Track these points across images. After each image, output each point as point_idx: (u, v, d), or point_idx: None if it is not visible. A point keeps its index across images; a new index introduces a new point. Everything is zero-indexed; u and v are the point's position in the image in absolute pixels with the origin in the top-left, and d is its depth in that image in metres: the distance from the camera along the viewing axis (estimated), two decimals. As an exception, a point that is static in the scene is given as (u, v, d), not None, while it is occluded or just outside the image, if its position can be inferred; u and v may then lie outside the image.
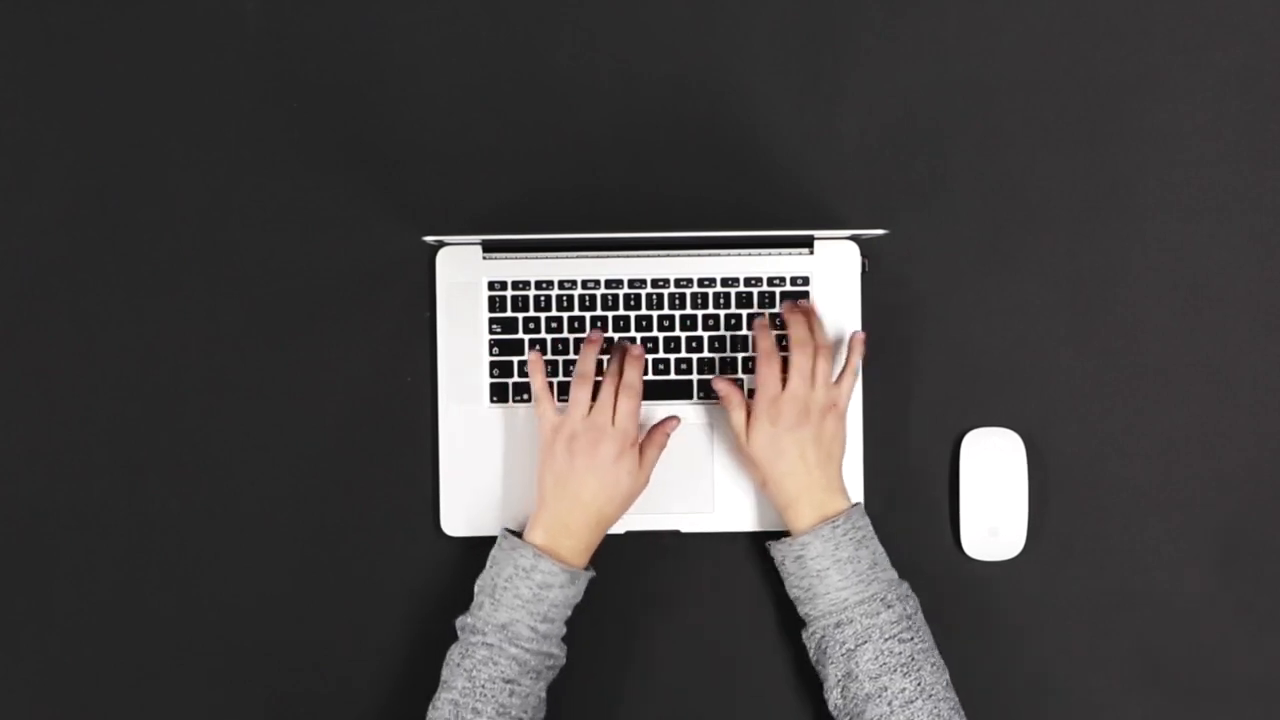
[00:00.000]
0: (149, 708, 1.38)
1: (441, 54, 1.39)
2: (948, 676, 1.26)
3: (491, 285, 1.37)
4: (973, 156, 1.39)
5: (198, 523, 1.38)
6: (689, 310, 1.37)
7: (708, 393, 1.37)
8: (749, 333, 1.36)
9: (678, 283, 1.37)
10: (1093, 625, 1.38)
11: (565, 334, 1.37)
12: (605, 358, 1.32)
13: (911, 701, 1.23)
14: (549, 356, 1.36)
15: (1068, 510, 1.39)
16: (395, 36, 1.39)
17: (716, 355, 1.36)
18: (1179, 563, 1.38)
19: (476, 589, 1.28)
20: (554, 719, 1.29)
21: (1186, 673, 1.38)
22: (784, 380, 1.29)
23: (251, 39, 1.39)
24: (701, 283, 1.37)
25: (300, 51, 1.39)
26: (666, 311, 1.37)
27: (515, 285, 1.37)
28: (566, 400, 1.30)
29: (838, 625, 1.25)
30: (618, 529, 1.36)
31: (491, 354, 1.37)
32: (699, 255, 1.37)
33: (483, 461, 1.37)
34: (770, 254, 1.37)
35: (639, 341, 1.36)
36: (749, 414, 1.30)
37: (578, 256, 1.36)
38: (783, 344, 1.32)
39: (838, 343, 1.36)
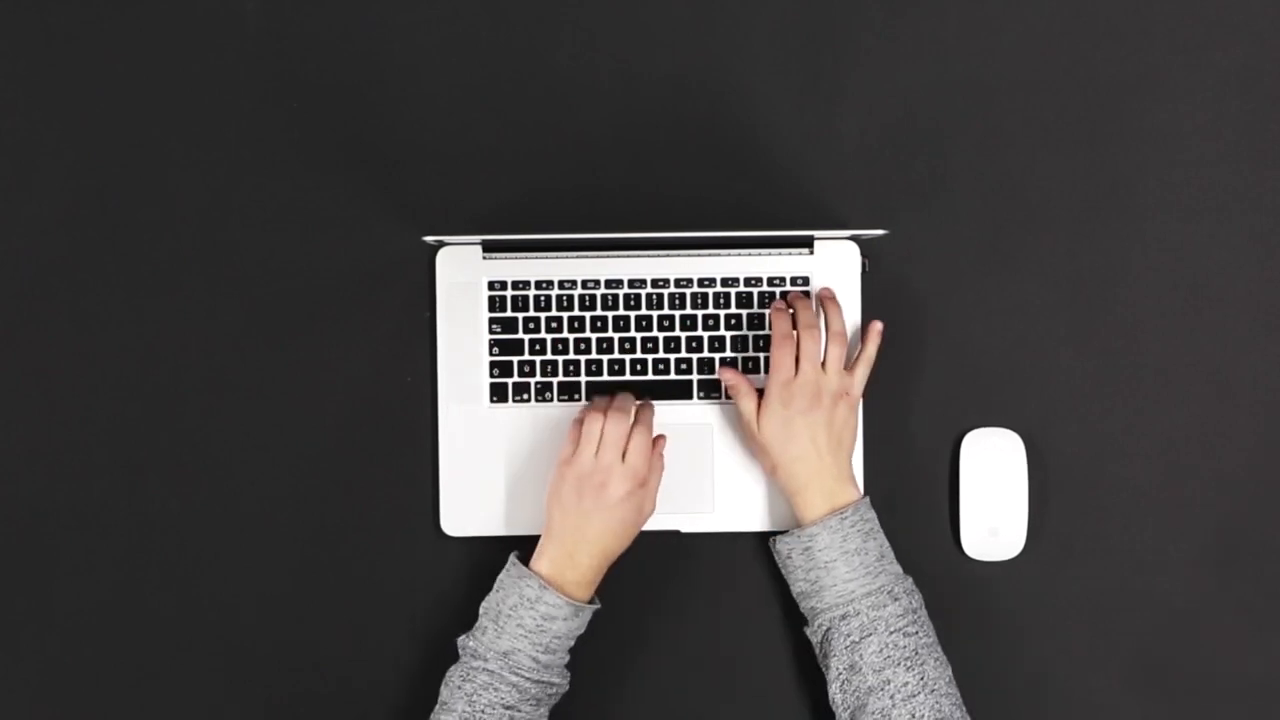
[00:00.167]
0: (149, 708, 1.38)
1: (441, 54, 1.39)
2: (950, 672, 1.26)
3: (491, 285, 1.37)
4: (973, 156, 1.39)
5: (198, 523, 1.38)
6: (689, 310, 1.37)
7: (708, 392, 1.37)
8: (750, 333, 1.37)
9: (678, 283, 1.37)
10: (1093, 625, 1.38)
11: (565, 334, 1.37)
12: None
13: (914, 695, 1.23)
14: (548, 357, 1.36)
15: (1068, 510, 1.39)
16: (395, 36, 1.39)
17: (716, 355, 1.36)
18: (1179, 563, 1.38)
19: (481, 610, 1.27)
20: (554, 719, 1.29)
21: (1186, 673, 1.38)
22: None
23: (251, 39, 1.39)
24: (701, 283, 1.37)
25: (300, 51, 1.39)
26: (666, 311, 1.37)
27: (515, 285, 1.37)
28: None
29: (843, 617, 1.25)
30: (618, 529, 1.36)
31: (491, 354, 1.37)
32: (699, 255, 1.37)
33: (483, 461, 1.37)
34: (770, 254, 1.37)
35: (639, 341, 1.36)
36: (759, 401, 1.30)
37: (578, 256, 1.36)
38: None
39: (854, 332, 1.36)
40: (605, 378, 1.36)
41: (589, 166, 1.39)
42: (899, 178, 1.39)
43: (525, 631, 1.24)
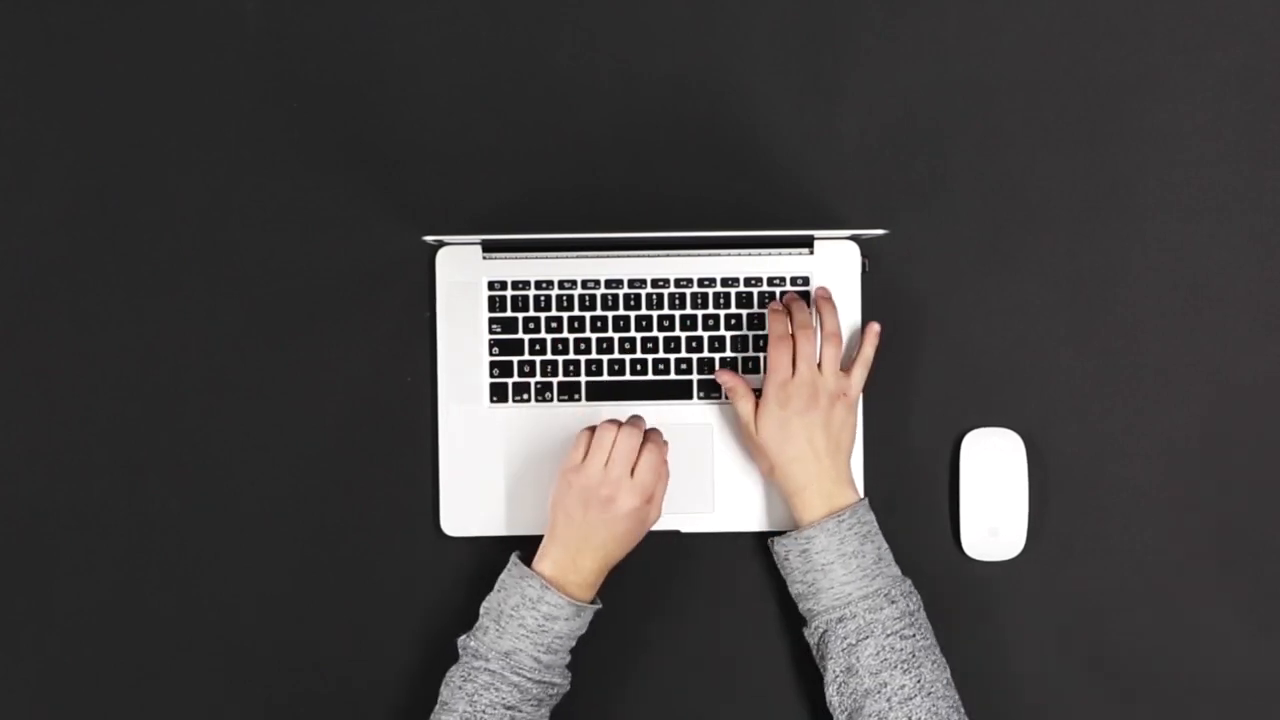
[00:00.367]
0: (149, 708, 1.38)
1: (441, 54, 1.39)
2: (948, 674, 1.26)
3: (491, 285, 1.37)
4: (973, 156, 1.39)
5: (198, 523, 1.38)
6: (689, 310, 1.37)
7: (708, 392, 1.37)
8: (750, 333, 1.37)
9: (678, 283, 1.37)
10: (1093, 625, 1.38)
11: (565, 334, 1.37)
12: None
13: (911, 698, 1.23)
14: (548, 357, 1.36)
15: (1068, 510, 1.39)
16: (395, 36, 1.39)
17: (716, 355, 1.36)
18: (1179, 563, 1.38)
19: (483, 610, 1.27)
20: (555, 719, 1.29)
21: (1186, 673, 1.38)
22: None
23: (251, 39, 1.39)
24: (701, 283, 1.37)
25: (300, 51, 1.39)
26: (666, 311, 1.37)
27: (515, 285, 1.37)
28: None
29: (840, 620, 1.25)
30: (618, 529, 1.36)
31: (491, 354, 1.37)
32: (699, 255, 1.37)
33: (483, 461, 1.37)
34: (770, 254, 1.37)
35: (639, 341, 1.36)
36: (757, 402, 1.30)
37: (578, 256, 1.36)
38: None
39: (851, 334, 1.36)
40: (605, 378, 1.36)
41: (589, 166, 1.39)
42: (899, 178, 1.39)
43: (527, 631, 1.24)
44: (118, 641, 1.38)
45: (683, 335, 1.37)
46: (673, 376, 1.37)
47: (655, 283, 1.37)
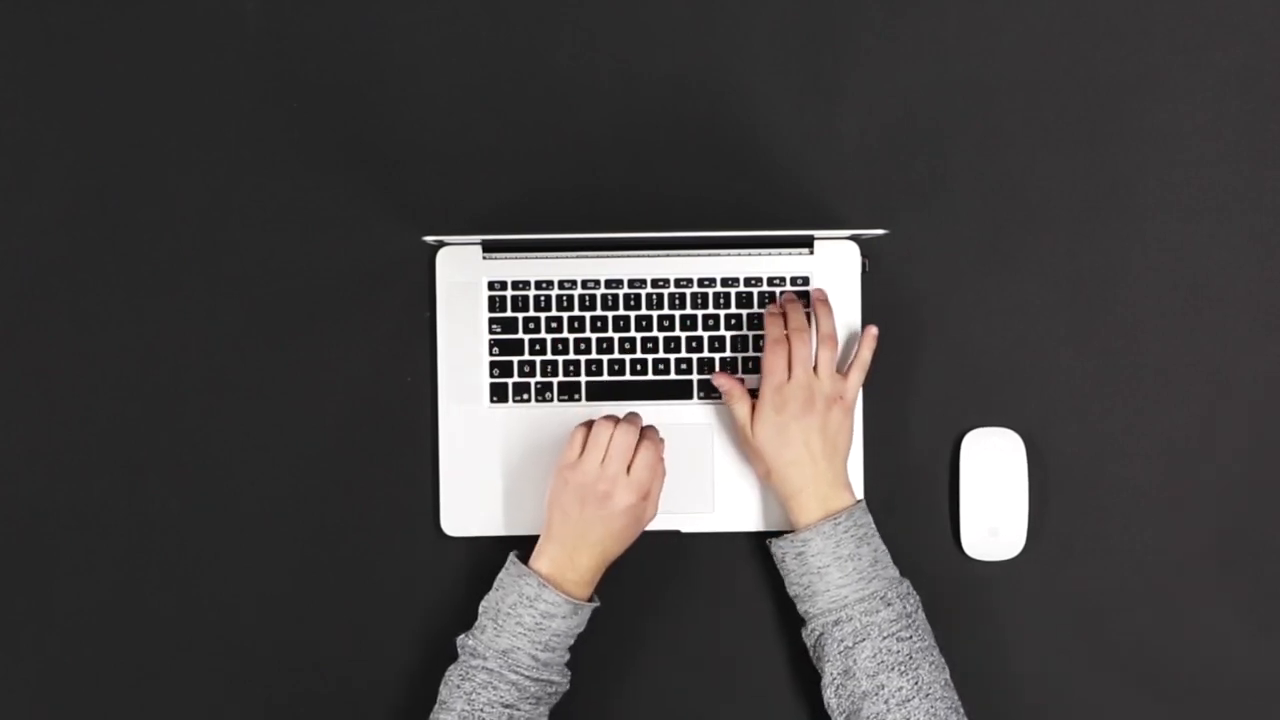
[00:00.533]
0: (149, 708, 1.38)
1: (441, 54, 1.39)
2: (947, 675, 1.26)
3: (491, 285, 1.37)
4: (973, 156, 1.39)
5: (198, 523, 1.38)
6: (689, 310, 1.37)
7: (708, 392, 1.37)
8: (750, 333, 1.37)
9: (678, 283, 1.37)
10: (1093, 625, 1.38)
11: (565, 334, 1.37)
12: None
13: (908, 700, 1.23)
14: (548, 357, 1.36)
15: (1068, 510, 1.39)
16: (395, 36, 1.39)
17: (716, 355, 1.36)
18: (1179, 563, 1.38)
19: (481, 610, 1.27)
20: (555, 718, 1.29)
21: (1186, 673, 1.38)
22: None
23: (251, 39, 1.39)
24: (701, 283, 1.37)
25: (300, 51, 1.39)
26: (666, 311, 1.37)
27: (515, 285, 1.37)
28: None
29: (836, 623, 1.25)
30: (618, 529, 1.36)
31: (491, 354, 1.37)
32: (699, 255, 1.37)
33: (483, 461, 1.37)
34: (770, 254, 1.37)
35: (639, 341, 1.36)
36: (754, 405, 1.30)
37: (578, 256, 1.36)
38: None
39: (850, 336, 1.36)
40: (605, 378, 1.36)
41: (589, 166, 1.39)
42: (899, 178, 1.39)
43: (524, 630, 1.24)
44: (118, 641, 1.38)
45: (683, 335, 1.37)
46: (673, 376, 1.37)
47: (655, 283, 1.37)
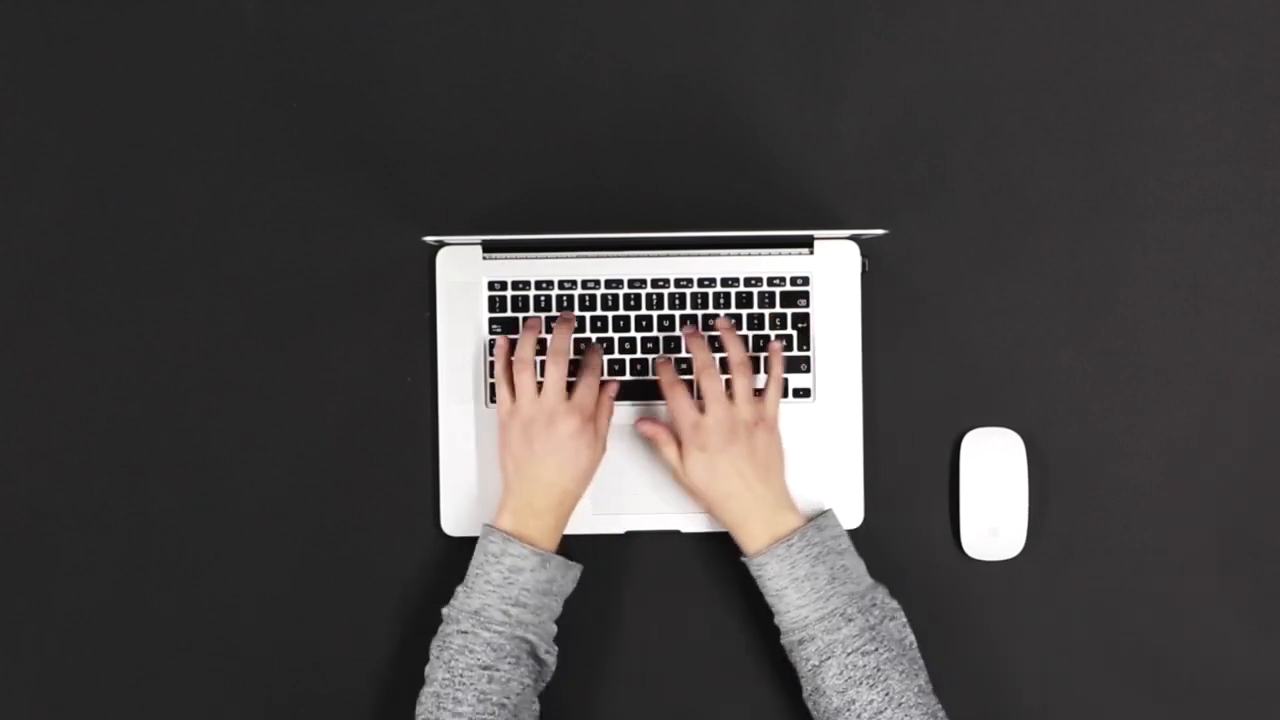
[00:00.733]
0: (149, 708, 1.38)
1: (441, 54, 1.39)
2: (921, 681, 1.25)
3: (491, 285, 1.37)
4: (973, 156, 1.39)
5: (198, 523, 1.38)
6: (689, 310, 1.37)
7: (708, 393, 1.37)
8: (750, 333, 1.37)
9: (678, 283, 1.37)
10: (1093, 625, 1.38)
11: (565, 334, 1.37)
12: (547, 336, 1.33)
13: (881, 712, 1.23)
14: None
15: (1068, 510, 1.39)
16: (395, 36, 1.39)
17: (717, 355, 1.36)
18: (1179, 563, 1.38)
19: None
20: (552, 718, 1.29)
21: (1186, 673, 1.38)
22: (702, 407, 1.29)
23: (251, 39, 1.39)
24: (701, 283, 1.37)
25: (300, 51, 1.39)
26: (666, 311, 1.37)
27: (515, 285, 1.37)
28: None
29: (800, 642, 1.26)
30: (618, 529, 1.36)
31: (491, 354, 1.37)
32: (699, 255, 1.37)
33: (483, 461, 1.37)
34: (770, 254, 1.37)
35: (639, 341, 1.37)
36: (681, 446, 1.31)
37: (578, 256, 1.36)
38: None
39: (755, 357, 1.35)
40: (605, 377, 1.36)
41: (589, 166, 1.39)
42: (899, 178, 1.39)
43: (493, 586, 1.25)
44: (118, 641, 1.38)
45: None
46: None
47: (655, 283, 1.37)
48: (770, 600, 1.28)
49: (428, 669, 1.26)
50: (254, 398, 1.38)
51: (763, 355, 1.35)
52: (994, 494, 1.37)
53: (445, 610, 1.27)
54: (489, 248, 1.36)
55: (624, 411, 1.36)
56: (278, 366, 1.38)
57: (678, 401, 1.30)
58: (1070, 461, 1.38)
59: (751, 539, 1.28)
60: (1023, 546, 1.38)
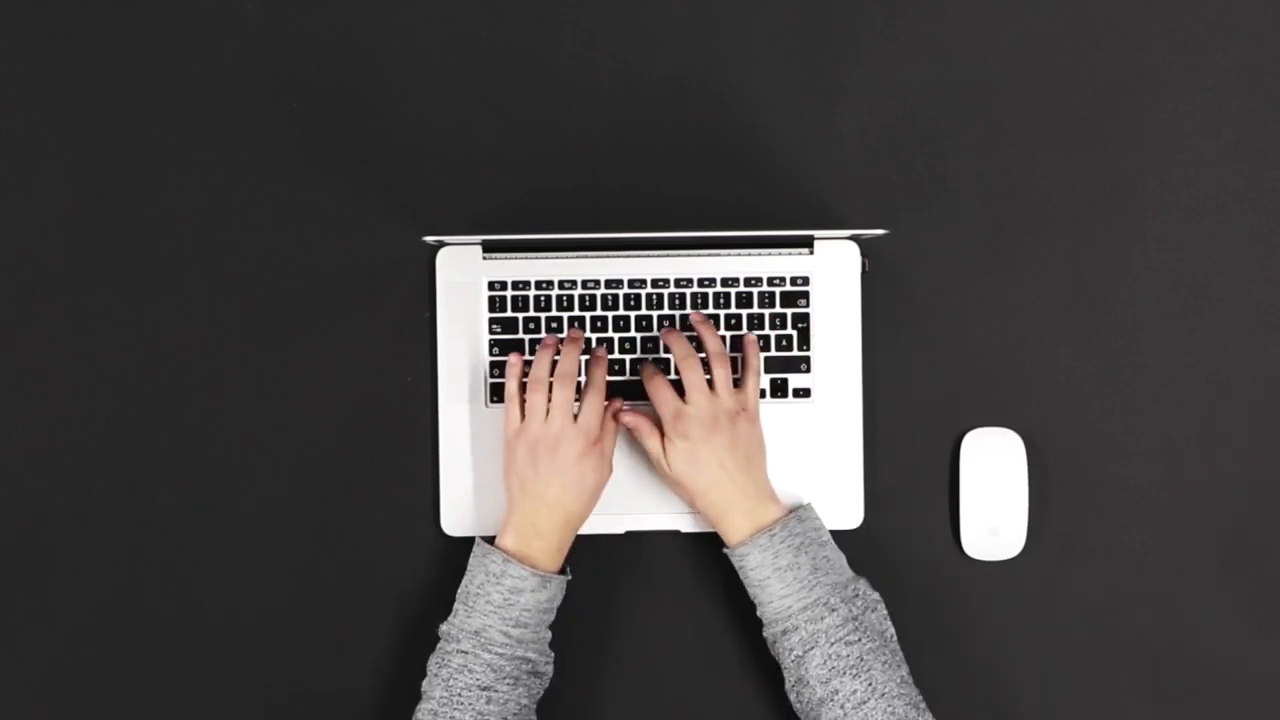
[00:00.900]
0: (149, 708, 1.38)
1: (441, 54, 1.39)
2: (904, 672, 1.25)
3: (491, 285, 1.37)
4: (973, 156, 1.39)
5: (198, 523, 1.38)
6: (689, 311, 1.37)
7: (708, 393, 1.37)
8: (750, 332, 1.36)
9: (678, 283, 1.37)
10: (1093, 625, 1.38)
11: (565, 334, 1.36)
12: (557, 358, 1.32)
13: (864, 702, 1.23)
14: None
15: (1068, 510, 1.39)
16: (395, 36, 1.39)
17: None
18: (1179, 563, 1.38)
19: (457, 597, 1.28)
20: (552, 718, 1.29)
21: (1186, 673, 1.38)
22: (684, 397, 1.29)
23: (251, 39, 1.39)
24: (701, 283, 1.37)
25: (300, 51, 1.39)
26: (666, 311, 1.37)
27: (515, 285, 1.37)
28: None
29: (784, 633, 1.26)
30: (617, 529, 1.36)
31: (491, 354, 1.37)
32: (699, 255, 1.37)
33: (483, 461, 1.37)
34: (770, 254, 1.37)
35: (639, 341, 1.37)
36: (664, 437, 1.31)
37: (578, 256, 1.36)
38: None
39: (734, 350, 1.35)
40: (605, 377, 1.36)
41: (589, 166, 1.39)
42: (899, 178, 1.39)
43: (494, 607, 1.25)
44: (118, 641, 1.38)
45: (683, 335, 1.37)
46: (673, 377, 1.36)
47: (655, 283, 1.37)
48: (753, 591, 1.28)
49: (425, 684, 1.26)
50: (254, 398, 1.38)
51: (738, 356, 1.35)
52: (994, 494, 1.37)
53: (444, 628, 1.27)
54: (489, 248, 1.36)
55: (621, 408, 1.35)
56: (278, 366, 1.38)
57: (660, 392, 1.30)
58: (1070, 461, 1.38)
59: (733, 529, 1.28)
60: (1023, 546, 1.38)
